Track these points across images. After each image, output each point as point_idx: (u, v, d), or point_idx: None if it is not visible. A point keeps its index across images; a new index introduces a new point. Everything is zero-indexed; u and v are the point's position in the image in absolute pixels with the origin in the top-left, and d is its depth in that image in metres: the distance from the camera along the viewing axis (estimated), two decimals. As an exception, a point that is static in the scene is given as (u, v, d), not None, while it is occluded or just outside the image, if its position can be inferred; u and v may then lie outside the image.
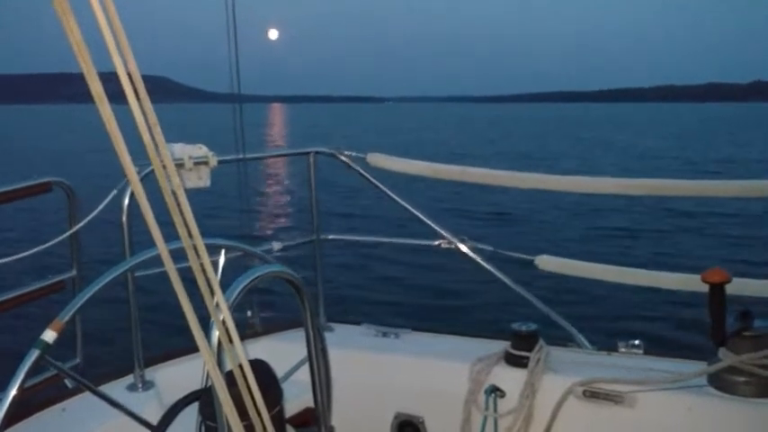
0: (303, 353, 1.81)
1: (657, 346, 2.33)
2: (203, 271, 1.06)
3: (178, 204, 0.99)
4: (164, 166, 0.98)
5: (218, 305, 1.15)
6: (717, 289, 1.77)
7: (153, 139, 0.96)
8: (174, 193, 0.98)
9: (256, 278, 1.55)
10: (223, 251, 1.86)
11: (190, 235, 1.01)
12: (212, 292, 1.11)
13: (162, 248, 0.97)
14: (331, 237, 2.92)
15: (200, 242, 1.04)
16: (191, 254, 1.03)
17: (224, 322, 1.16)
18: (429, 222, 2.66)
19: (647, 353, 2.26)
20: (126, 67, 0.87)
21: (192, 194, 2.68)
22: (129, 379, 2.29)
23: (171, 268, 0.98)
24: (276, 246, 2.75)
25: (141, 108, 0.92)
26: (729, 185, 2.10)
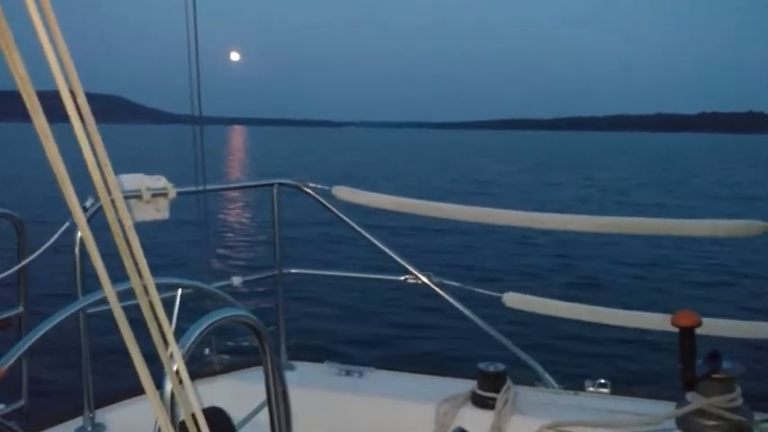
0: (264, 393, 1.75)
1: (625, 385, 2.32)
2: (155, 317, 0.99)
3: (128, 244, 0.92)
4: (113, 201, 0.92)
5: (171, 355, 1.08)
6: (687, 332, 1.76)
7: (100, 170, 0.88)
8: (123, 230, 0.92)
9: (213, 324, 1.50)
10: (179, 290, 1.79)
11: (140, 276, 0.95)
12: (165, 340, 1.05)
13: (109, 292, 0.90)
14: (294, 271, 2.85)
15: (153, 286, 0.97)
16: (142, 301, 0.96)
17: (178, 372, 1.10)
18: (395, 257, 2.62)
19: (614, 392, 2.25)
20: (69, 88, 0.80)
21: (149, 226, 2.58)
22: (79, 421, 2.17)
23: (119, 314, 0.91)
24: (236, 281, 2.66)
25: (88, 136, 0.84)
26: (703, 225, 2.12)
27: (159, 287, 1.65)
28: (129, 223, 0.94)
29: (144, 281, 0.96)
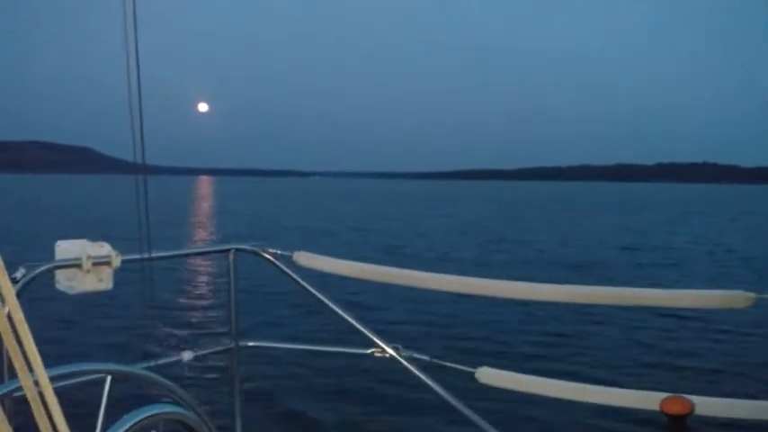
0: None
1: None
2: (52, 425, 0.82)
3: (19, 340, 0.76)
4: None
5: None
6: (677, 421, 1.61)
7: None
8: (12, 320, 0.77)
9: (137, 423, 1.31)
10: (109, 378, 1.57)
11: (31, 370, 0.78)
12: None
13: None
14: (251, 344, 2.64)
15: (49, 388, 0.80)
16: (35, 406, 0.78)
17: None
18: (361, 328, 2.44)
19: None
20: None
21: (91, 297, 2.35)
22: None
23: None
24: (187, 356, 2.43)
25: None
26: (687, 296, 2.00)
27: (89, 372, 1.42)
28: (19, 315, 0.78)
29: (35, 376, 0.80)
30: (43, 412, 0.77)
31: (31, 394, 0.76)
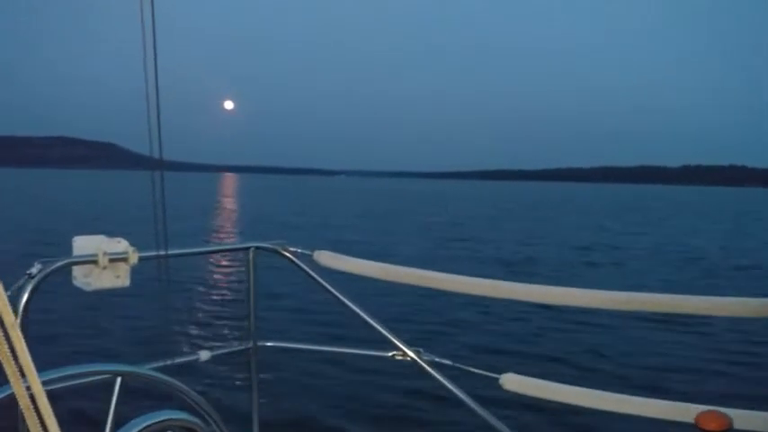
0: None
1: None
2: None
3: (11, 346, 0.72)
4: None
5: None
6: None
7: None
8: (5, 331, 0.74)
9: (143, 430, 1.26)
10: (119, 379, 1.52)
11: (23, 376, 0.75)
12: None
13: None
14: (270, 344, 2.59)
15: (43, 395, 0.76)
16: (28, 415, 0.74)
17: None
18: (382, 330, 2.37)
19: None
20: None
21: (107, 293, 2.31)
22: None
23: None
24: (204, 355, 2.39)
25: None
26: (727, 303, 1.89)
27: (97, 373, 1.37)
28: (10, 319, 0.73)
29: (28, 383, 0.75)
30: (36, 420, 0.72)
31: (23, 401, 0.71)
